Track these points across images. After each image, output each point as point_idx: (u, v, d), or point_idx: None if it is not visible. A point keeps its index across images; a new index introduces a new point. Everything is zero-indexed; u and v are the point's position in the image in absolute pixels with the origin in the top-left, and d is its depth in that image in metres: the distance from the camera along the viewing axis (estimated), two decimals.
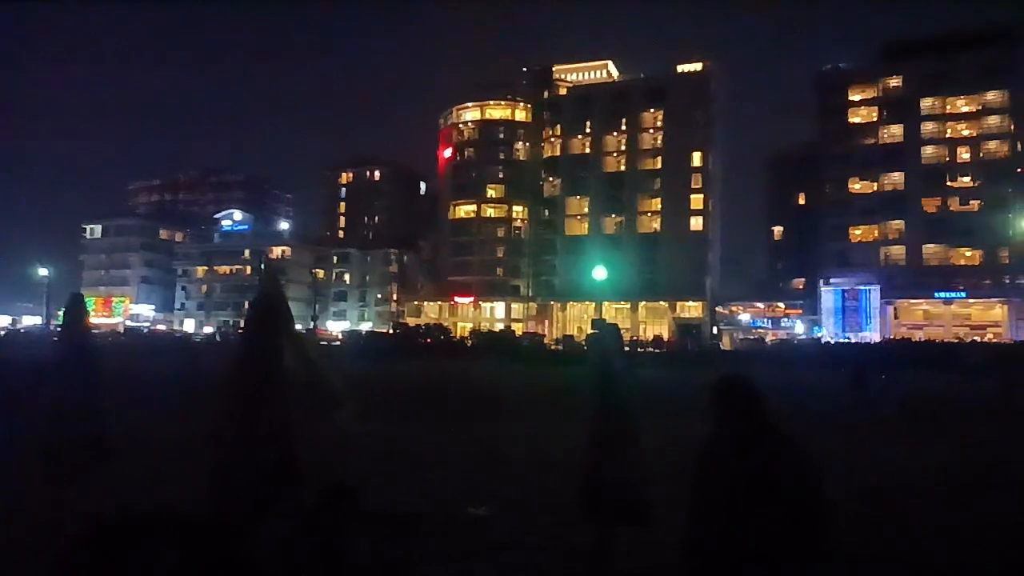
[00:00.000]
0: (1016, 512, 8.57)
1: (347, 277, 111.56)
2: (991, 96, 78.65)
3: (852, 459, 11.52)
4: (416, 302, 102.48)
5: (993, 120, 78.93)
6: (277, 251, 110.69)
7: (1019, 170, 77.55)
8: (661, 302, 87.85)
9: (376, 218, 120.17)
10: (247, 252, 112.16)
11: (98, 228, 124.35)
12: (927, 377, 28.76)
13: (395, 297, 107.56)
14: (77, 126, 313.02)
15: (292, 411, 4.70)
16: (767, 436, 3.28)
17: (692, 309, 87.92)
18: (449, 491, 9.13)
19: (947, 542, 7.38)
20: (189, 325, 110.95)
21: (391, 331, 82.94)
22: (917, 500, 9.39)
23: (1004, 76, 76.37)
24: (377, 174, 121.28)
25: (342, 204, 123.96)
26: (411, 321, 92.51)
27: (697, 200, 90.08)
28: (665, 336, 79.95)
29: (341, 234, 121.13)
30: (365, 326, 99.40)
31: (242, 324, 5.19)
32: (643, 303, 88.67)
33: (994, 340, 67.37)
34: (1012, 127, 77.78)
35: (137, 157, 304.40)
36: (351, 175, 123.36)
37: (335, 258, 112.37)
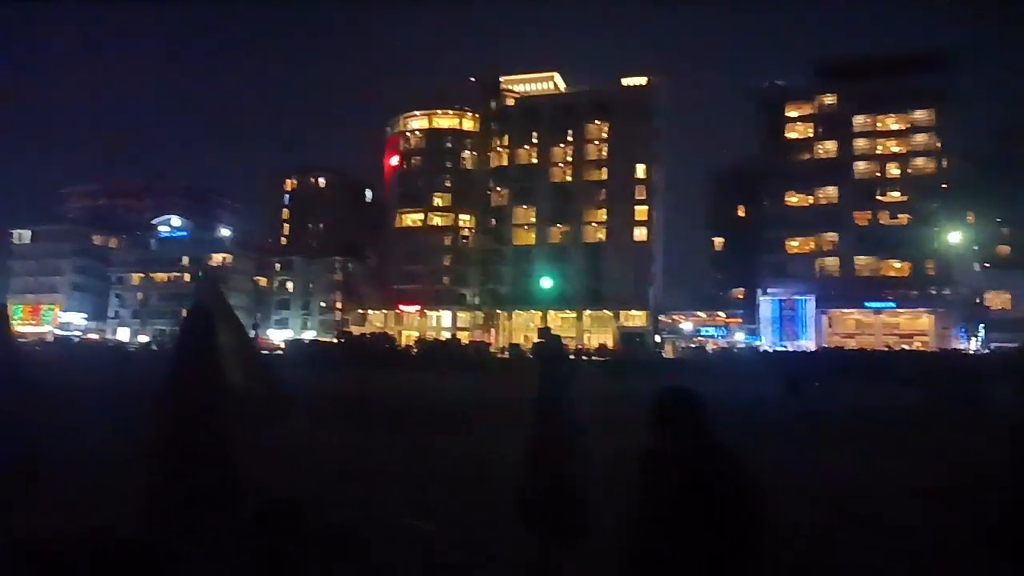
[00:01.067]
0: (943, 517, 8.95)
1: (290, 285, 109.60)
2: (919, 115, 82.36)
3: (788, 467, 11.85)
4: (361, 311, 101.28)
5: (921, 138, 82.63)
6: (218, 258, 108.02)
7: (944, 186, 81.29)
8: (606, 311, 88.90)
9: (321, 226, 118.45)
10: (186, 259, 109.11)
11: (27, 233, 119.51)
12: (858, 385, 29.82)
13: (339, 306, 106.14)
14: (7, 127, 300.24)
15: (233, 422, 4.60)
16: (707, 446, 3.38)
17: (636, 318, 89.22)
18: (393, 504, 9.06)
19: (883, 548, 7.67)
20: (123, 334, 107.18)
21: (335, 340, 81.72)
22: (850, 506, 9.73)
23: (931, 97, 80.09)
24: (322, 181, 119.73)
25: (286, 211, 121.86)
26: (356, 330, 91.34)
27: (641, 211, 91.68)
28: (610, 345, 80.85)
29: (284, 242, 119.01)
30: (308, 335, 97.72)
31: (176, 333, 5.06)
32: (588, 312, 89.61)
33: (921, 348, 70.27)
34: (938, 145, 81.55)
35: (73, 162, 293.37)
36: (295, 182, 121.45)
37: (278, 266, 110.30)
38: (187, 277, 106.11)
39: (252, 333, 78.28)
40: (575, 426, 5.64)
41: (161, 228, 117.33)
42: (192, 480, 4.00)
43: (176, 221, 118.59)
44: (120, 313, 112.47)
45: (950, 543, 7.36)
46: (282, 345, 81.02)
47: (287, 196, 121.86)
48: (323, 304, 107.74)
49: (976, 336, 74.76)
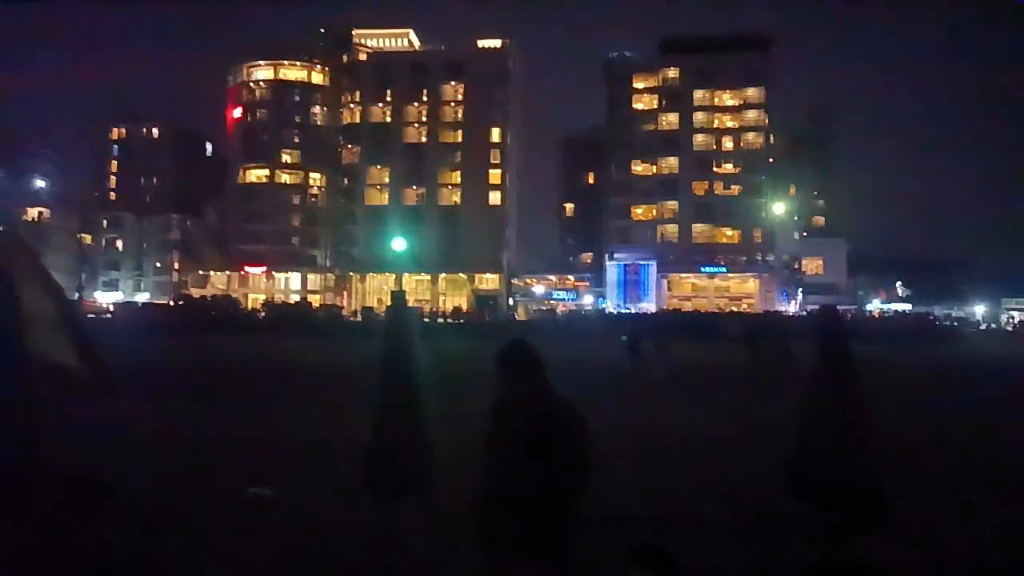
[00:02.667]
0: (759, 464, 9.86)
1: (120, 244, 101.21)
2: (750, 92, 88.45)
3: (623, 420, 12.60)
4: (202, 272, 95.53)
5: (752, 114, 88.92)
6: (33, 212, 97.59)
7: (771, 160, 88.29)
8: (460, 274, 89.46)
9: (155, 180, 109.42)
10: None
11: None
12: (692, 345, 32.11)
13: (177, 266, 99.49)
14: None
15: (41, 395, 4.21)
16: (544, 396, 3.56)
17: (490, 281, 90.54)
18: (231, 475, 8.73)
19: (701, 496, 8.35)
20: None
21: (172, 303, 76.77)
22: (676, 456, 10.50)
23: (761, 76, 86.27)
24: (155, 131, 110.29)
25: (114, 163, 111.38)
26: (195, 292, 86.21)
27: (496, 175, 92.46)
28: (464, 307, 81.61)
29: (113, 197, 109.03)
30: (142, 297, 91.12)
31: None
32: (443, 275, 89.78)
33: (747, 310, 76.61)
34: (767, 121, 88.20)
35: None
36: (124, 131, 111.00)
37: (105, 222, 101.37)
38: None
39: (76, 296, 72.18)
40: (421, 387, 5.67)
41: None
42: None
43: None
44: None
45: (751, 482, 8.11)
46: (110, 308, 75.00)
47: (115, 146, 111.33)
48: (158, 265, 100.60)
49: (795, 299, 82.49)
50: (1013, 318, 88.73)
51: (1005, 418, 14.27)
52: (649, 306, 79.61)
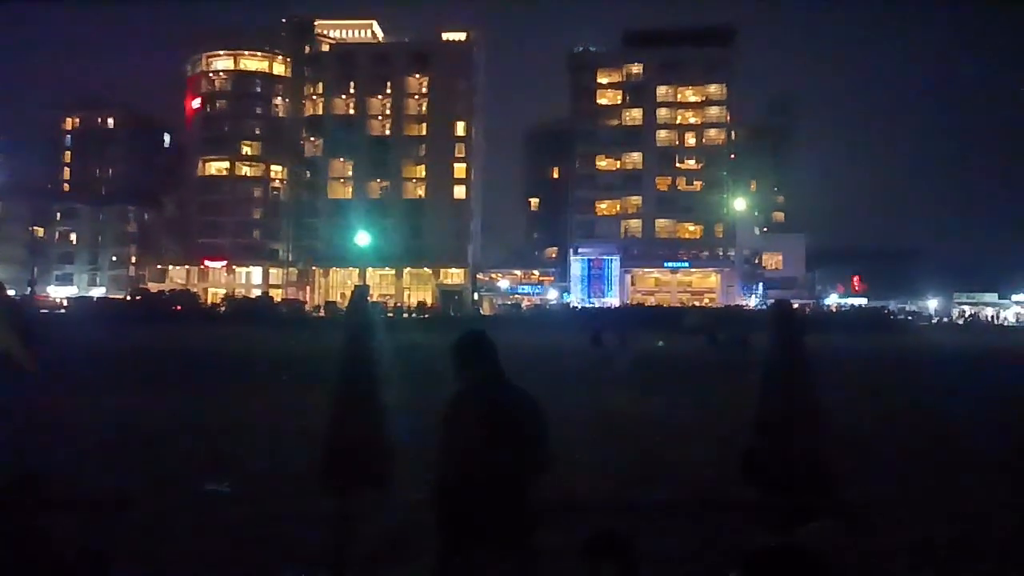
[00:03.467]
0: (717, 450, 10.03)
1: (74, 236, 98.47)
2: (713, 89, 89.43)
3: (585, 409, 12.71)
4: (160, 266, 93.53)
5: (714, 110, 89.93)
6: None
7: (732, 156, 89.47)
8: (425, 268, 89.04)
9: (111, 171, 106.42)
10: None
11: None
12: (654, 338, 32.47)
13: (134, 260, 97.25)
14: None
15: None
16: (498, 382, 3.59)
17: (455, 276, 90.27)
18: (190, 467, 8.61)
19: (660, 481, 8.47)
20: None
21: (129, 297, 75.14)
22: (636, 443, 10.64)
23: (723, 72, 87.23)
24: (111, 121, 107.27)
25: (67, 153, 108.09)
26: (154, 287, 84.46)
27: (460, 169, 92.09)
28: (429, 302, 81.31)
29: (67, 188, 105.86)
30: (97, 291, 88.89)
31: None
32: (408, 269, 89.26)
33: (709, 305, 77.64)
34: (728, 117, 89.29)
35: None
36: (78, 120, 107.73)
37: (59, 214, 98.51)
38: None
39: (28, 290, 70.18)
40: (380, 380, 5.65)
41: None
42: None
43: None
44: None
45: (709, 468, 8.25)
46: (64, 303, 73.15)
47: (68, 136, 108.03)
48: (114, 258, 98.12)
49: (755, 293, 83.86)
50: (964, 312, 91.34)
51: (949, 402, 14.72)
52: (613, 300, 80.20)
